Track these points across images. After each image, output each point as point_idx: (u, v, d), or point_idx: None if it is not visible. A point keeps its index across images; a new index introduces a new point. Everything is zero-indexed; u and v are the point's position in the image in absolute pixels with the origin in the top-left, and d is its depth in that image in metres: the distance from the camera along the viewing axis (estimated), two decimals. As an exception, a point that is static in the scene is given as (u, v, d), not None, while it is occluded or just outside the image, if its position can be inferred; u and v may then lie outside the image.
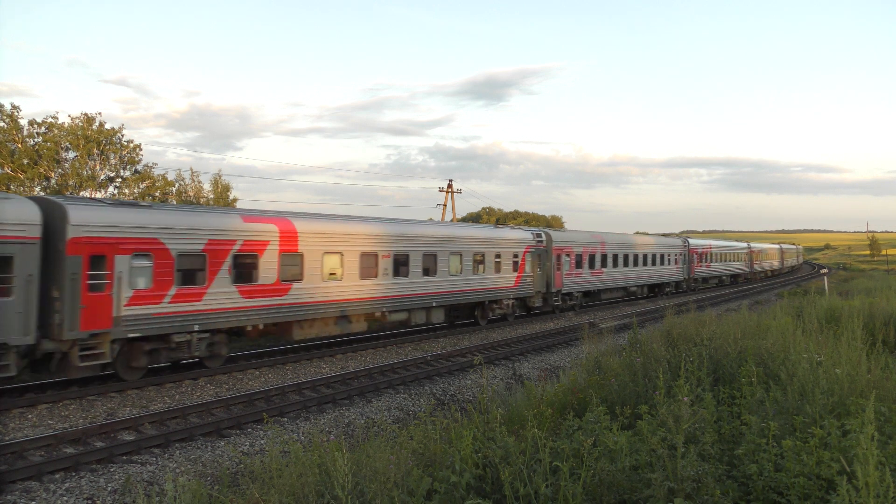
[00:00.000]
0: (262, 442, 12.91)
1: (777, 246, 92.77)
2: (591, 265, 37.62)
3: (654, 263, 46.52)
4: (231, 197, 53.20)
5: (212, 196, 52.39)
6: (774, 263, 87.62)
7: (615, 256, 40.68)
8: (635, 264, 43.64)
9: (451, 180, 55.49)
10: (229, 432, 13.47)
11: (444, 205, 55.33)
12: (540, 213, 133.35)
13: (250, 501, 6.68)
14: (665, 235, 55.78)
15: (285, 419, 14.51)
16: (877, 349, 10.77)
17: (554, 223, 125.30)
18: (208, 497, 7.51)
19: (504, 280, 29.69)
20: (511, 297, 30.34)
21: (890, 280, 50.09)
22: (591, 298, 40.43)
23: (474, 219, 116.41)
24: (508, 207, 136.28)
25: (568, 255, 34.79)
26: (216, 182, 53.23)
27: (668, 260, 49.14)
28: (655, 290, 49.11)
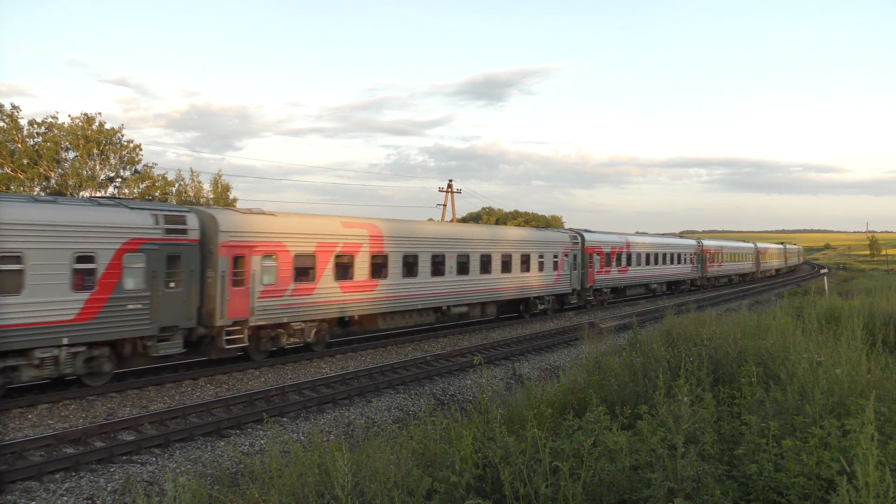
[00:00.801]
0: (262, 442, 12.91)
1: (750, 244, 76.28)
2: (345, 274, 22.21)
3: (506, 269, 30.32)
4: (231, 197, 53.24)
5: (212, 196, 52.41)
6: (746, 266, 70.98)
7: (410, 260, 24.99)
8: (463, 272, 27.64)
9: (450, 180, 55.55)
10: (229, 432, 13.48)
11: (444, 205, 55.35)
12: (540, 213, 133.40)
13: (250, 501, 6.68)
14: (541, 229, 38.44)
15: (285, 419, 14.52)
16: (877, 349, 10.78)
17: (554, 223, 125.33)
18: (208, 497, 7.51)
19: (27, 310, 14.63)
20: (69, 340, 15.23)
21: (890, 280, 50.10)
22: (375, 325, 24.24)
23: (475, 219, 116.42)
24: (508, 207, 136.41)
25: (272, 255, 19.74)
26: (216, 182, 53.27)
27: (544, 264, 33.20)
28: (521, 307, 32.98)
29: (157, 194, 46.60)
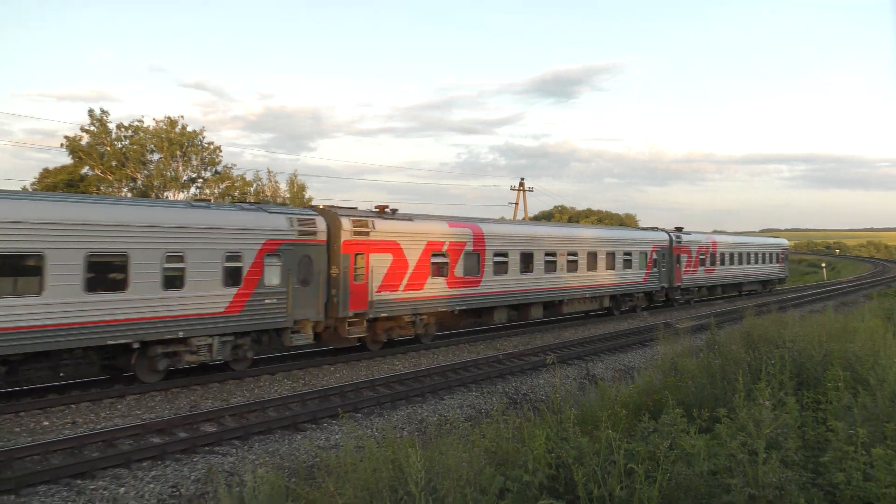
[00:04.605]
0: (336, 437, 13.15)
1: (781, 241, 54.71)
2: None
3: (174, 285, 16.43)
4: (306, 196, 54.37)
5: (288, 196, 53.66)
6: (768, 270, 50.00)
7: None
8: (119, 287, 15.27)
9: (522, 179, 55.46)
10: (305, 426, 13.78)
11: (517, 203, 55.25)
12: (613, 212, 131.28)
13: (325, 494, 6.82)
14: (251, 208, 19.35)
15: (359, 415, 14.74)
16: (976, 354, 10.20)
17: (628, 222, 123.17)
18: (285, 489, 7.70)
19: None
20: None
21: None
22: None
23: (547, 217, 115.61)
24: (581, 205, 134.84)
25: None
26: (292, 182, 54.48)
27: (238, 272, 17.71)
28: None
29: (236, 194, 48.05)
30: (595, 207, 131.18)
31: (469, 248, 24.49)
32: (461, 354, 22.17)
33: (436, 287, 23.10)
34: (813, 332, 12.54)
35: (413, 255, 22.24)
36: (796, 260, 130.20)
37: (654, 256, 35.58)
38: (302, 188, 54.56)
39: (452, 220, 24.93)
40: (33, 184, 42.64)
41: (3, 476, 10.20)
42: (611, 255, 32.19)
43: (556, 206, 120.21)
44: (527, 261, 27.28)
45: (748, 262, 46.95)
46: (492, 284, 25.45)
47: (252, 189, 51.14)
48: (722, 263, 43.01)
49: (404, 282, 21.88)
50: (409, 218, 22.76)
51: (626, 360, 21.92)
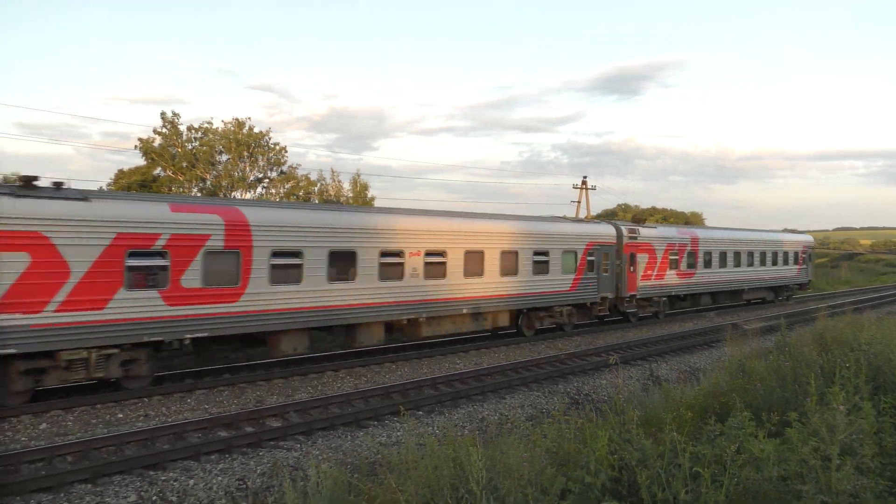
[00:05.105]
0: (398, 434, 13.26)
1: (804, 236, 45.21)
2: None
3: None
4: (369, 195, 54.98)
5: (351, 195, 54.38)
6: (783, 273, 40.30)
7: None
8: None
9: (585, 177, 54.84)
10: (368, 423, 13.94)
11: (579, 202, 54.70)
12: (679, 210, 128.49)
13: (387, 490, 6.89)
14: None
15: (420, 412, 14.84)
16: None
17: (694, 220, 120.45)
18: (348, 484, 7.82)
19: None
20: None
21: None
22: None
23: (610, 216, 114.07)
24: (646, 203, 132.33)
25: None
26: (355, 181, 55.18)
27: None
28: None
29: (300, 194, 48.95)
30: (660, 206, 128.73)
31: (217, 243, 16.14)
32: (522, 354, 22.08)
33: (139, 305, 14.91)
34: (891, 334, 12.05)
35: (83, 257, 14.10)
36: (873, 259, 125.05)
37: (591, 257, 26.89)
38: (365, 187, 55.21)
39: (179, 203, 16.60)
40: (109, 185, 44.38)
41: (81, 466, 10.65)
42: (511, 255, 23.59)
43: (619, 205, 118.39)
44: (344, 262, 18.84)
45: (750, 264, 37.38)
46: (267, 299, 17.05)
47: (316, 189, 52.03)
48: (707, 265, 33.72)
49: (59, 297, 13.75)
50: (81, 197, 14.46)
51: (692, 362, 21.46)
